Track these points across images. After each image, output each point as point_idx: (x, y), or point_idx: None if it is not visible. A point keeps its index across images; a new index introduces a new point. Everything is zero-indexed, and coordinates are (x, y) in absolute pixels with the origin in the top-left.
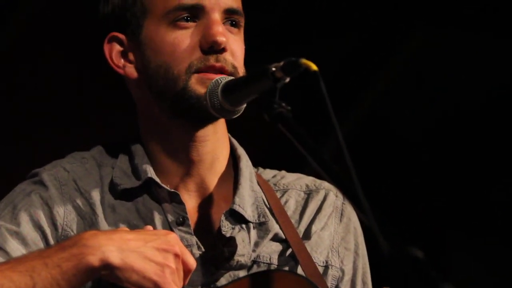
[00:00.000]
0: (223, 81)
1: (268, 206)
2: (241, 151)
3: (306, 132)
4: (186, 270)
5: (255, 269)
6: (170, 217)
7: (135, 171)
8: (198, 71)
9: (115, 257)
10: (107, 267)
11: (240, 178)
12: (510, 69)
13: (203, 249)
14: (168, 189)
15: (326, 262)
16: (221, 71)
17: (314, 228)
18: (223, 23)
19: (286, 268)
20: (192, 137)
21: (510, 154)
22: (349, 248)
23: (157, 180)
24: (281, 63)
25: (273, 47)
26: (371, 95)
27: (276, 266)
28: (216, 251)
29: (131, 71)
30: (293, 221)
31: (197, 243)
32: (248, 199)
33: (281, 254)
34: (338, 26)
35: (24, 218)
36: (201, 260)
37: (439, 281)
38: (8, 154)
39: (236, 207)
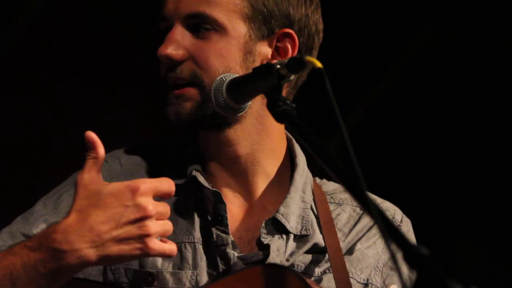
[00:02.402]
0: (228, 79)
1: (316, 214)
2: (299, 159)
3: (311, 129)
4: (166, 196)
5: None
6: (210, 215)
7: (184, 168)
8: (164, 89)
9: (91, 255)
10: (85, 264)
11: (291, 188)
12: None
13: (238, 250)
14: (210, 188)
15: (367, 280)
16: (176, 84)
17: (359, 245)
18: (190, 30)
19: (320, 279)
20: (217, 141)
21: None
22: (394, 268)
23: (200, 179)
24: (286, 60)
25: None
26: (374, 94)
27: (309, 276)
28: (250, 256)
29: None
30: (340, 234)
31: (232, 243)
32: (294, 210)
33: (316, 265)
34: (340, 23)
35: (65, 209)
36: (235, 262)
37: (446, 278)
38: (8, 155)
39: (279, 217)
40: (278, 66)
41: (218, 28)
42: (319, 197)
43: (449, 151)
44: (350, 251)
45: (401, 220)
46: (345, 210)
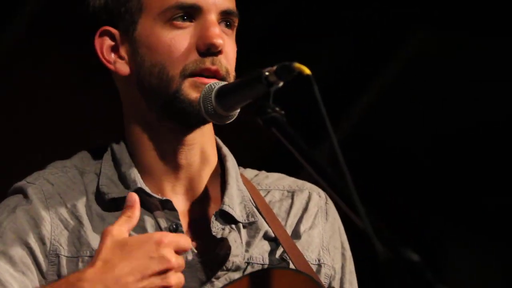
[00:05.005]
0: (217, 86)
1: (255, 205)
2: (226, 150)
3: (300, 137)
4: (183, 251)
5: (249, 270)
6: (163, 224)
7: (122, 179)
8: (193, 74)
9: None
10: None
11: (228, 178)
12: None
13: (197, 253)
14: (159, 197)
15: (319, 260)
16: (215, 75)
17: (302, 227)
18: (219, 24)
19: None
20: (180, 141)
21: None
22: (337, 247)
23: (147, 190)
24: (274, 67)
25: (262, 54)
26: (365, 102)
27: (267, 265)
28: (210, 254)
29: (122, 67)
30: (279, 219)
31: (191, 250)
32: (236, 199)
33: (272, 253)
34: (330, 32)
35: (9, 236)
36: (196, 264)
37: (435, 284)
38: (7, 157)
39: (226, 208)
40: (267, 73)
41: (235, 29)
42: (249, 186)
43: (444, 152)
44: (296, 235)
45: (326, 198)
46: (274, 195)
